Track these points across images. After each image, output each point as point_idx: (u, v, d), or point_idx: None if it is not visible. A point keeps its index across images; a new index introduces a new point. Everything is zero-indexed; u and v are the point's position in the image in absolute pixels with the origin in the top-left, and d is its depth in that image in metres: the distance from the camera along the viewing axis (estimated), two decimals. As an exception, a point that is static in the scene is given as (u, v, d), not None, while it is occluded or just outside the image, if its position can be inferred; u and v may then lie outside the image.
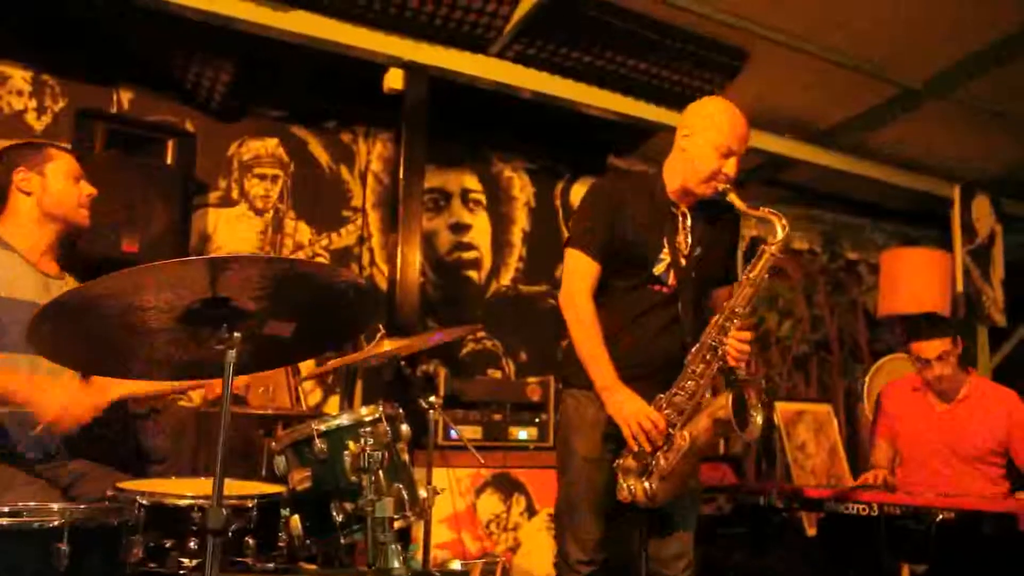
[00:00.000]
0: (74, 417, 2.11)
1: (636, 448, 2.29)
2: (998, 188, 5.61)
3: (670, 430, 2.29)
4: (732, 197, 2.36)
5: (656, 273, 2.41)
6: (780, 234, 2.32)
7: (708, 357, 2.30)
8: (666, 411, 2.30)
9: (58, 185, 2.35)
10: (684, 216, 2.46)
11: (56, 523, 1.57)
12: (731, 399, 2.21)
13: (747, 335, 2.30)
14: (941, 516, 2.64)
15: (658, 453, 2.29)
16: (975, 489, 3.05)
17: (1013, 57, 4.10)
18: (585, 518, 2.40)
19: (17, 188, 2.33)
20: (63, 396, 2.11)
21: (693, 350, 2.33)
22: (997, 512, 2.58)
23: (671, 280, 2.41)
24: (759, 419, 2.24)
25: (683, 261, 2.42)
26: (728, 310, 2.31)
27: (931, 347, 3.15)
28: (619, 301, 2.43)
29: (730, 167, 2.37)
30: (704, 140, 2.38)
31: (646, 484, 2.29)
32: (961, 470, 3.15)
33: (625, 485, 2.30)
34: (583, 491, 2.40)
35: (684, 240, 2.44)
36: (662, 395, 2.32)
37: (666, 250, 2.41)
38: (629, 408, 2.30)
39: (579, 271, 2.42)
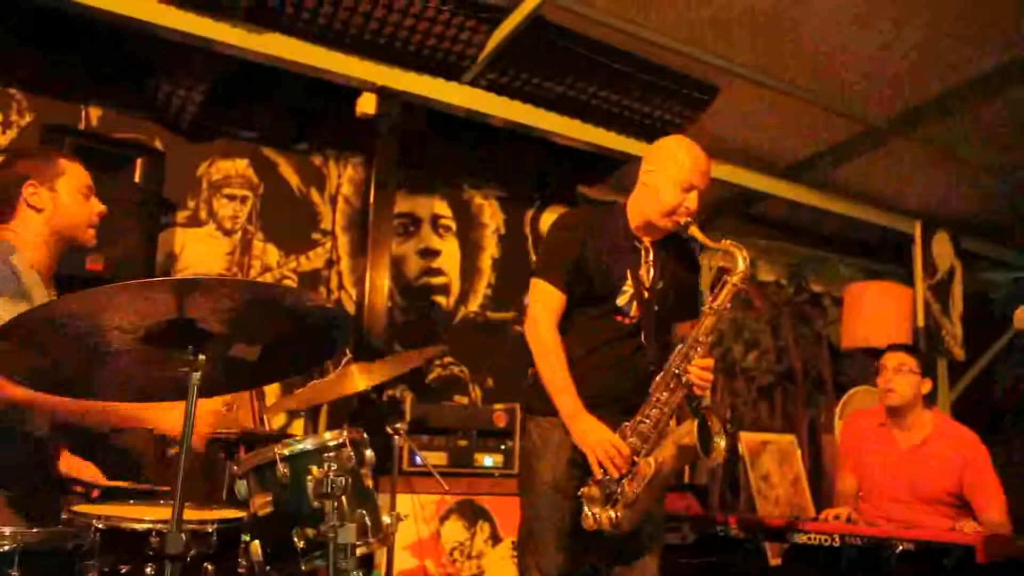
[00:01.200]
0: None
1: (601, 476, 2.31)
2: (957, 226, 5.75)
3: (635, 458, 2.31)
4: (694, 230, 2.41)
5: (619, 304, 2.45)
6: (741, 265, 2.37)
7: (672, 385, 2.34)
8: (631, 439, 2.32)
9: (69, 203, 2.22)
10: (647, 250, 2.51)
11: (7, 548, 1.53)
12: (696, 426, 2.25)
13: (709, 362, 2.34)
14: (902, 547, 2.67)
15: (623, 481, 2.30)
16: (934, 527, 3.07)
17: (970, 103, 4.23)
18: (549, 546, 2.39)
19: (26, 203, 2.17)
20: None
21: (657, 379, 2.37)
22: (956, 544, 2.61)
23: (634, 311, 2.45)
24: (722, 444, 2.29)
25: (646, 293, 2.47)
26: (691, 339, 2.35)
27: (894, 357, 3.27)
28: (583, 331, 2.47)
29: (691, 201, 2.42)
30: (666, 176, 2.44)
31: (611, 512, 2.29)
32: (920, 509, 3.17)
33: (590, 513, 2.31)
34: (547, 518, 2.40)
35: (647, 273, 2.49)
36: (627, 423, 2.35)
37: (629, 282, 2.46)
38: (594, 436, 2.32)
39: (544, 301, 2.46)
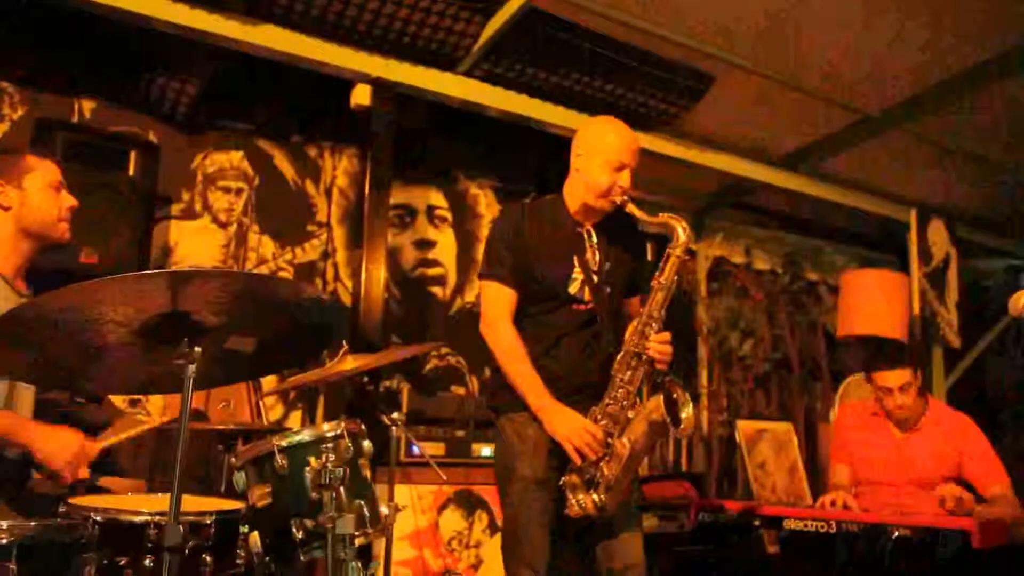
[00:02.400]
0: (76, 467, 2.07)
1: (580, 462, 2.33)
2: (953, 214, 5.76)
3: (609, 439, 2.33)
4: (631, 208, 2.44)
5: (571, 292, 2.46)
6: (683, 236, 2.41)
7: (633, 363, 2.37)
8: (602, 422, 2.35)
9: (37, 199, 2.21)
10: (589, 234, 2.53)
11: (5, 541, 1.53)
12: (662, 400, 2.29)
13: (666, 336, 2.37)
14: (897, 533, 2.68)
15: (601, 464, 2.33)
16: (929, 513, 3.09)
17: (966, 94, 4.23)
18: (534, 541, 2.39)
19: None
20: (72, 446, 2.06)
21: (618, 359, 2.39)
22: (952, 529, 2.62)
23: (587, 297, 2.47)
24: (690, 414, 2.33)
25: (595, 277, 2.48)
26: (645, 315, 2.38)
27: (894, 376, 3.20)
28: (541, 325, 2.48)
29: (624, 179, 2.44)
30: (596, 157, 2.46)
31: (595, 496, 2.32)
32: (916, 495, 3.19)
33: (574, 500, 2.33)
34: (530, 514, 2.39)
35: (592, 256, 2.51)
36: (595, 407, 2.37)
37: (577, 268, 2.47)
38: (567, 424, 2.34)
39: (495, 299, 2.48)
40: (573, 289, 2.46)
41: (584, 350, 2.47)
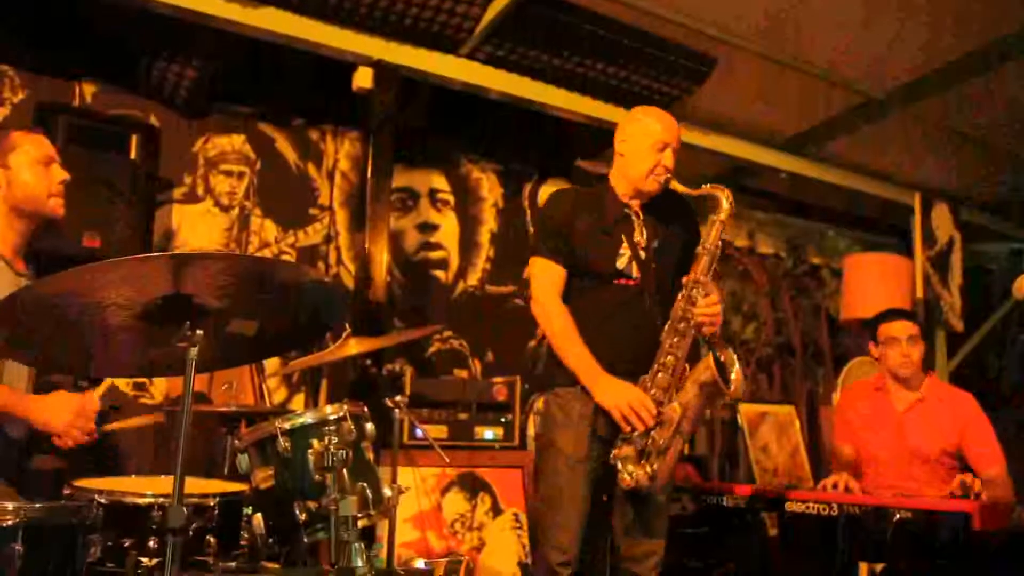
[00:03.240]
0: (82, 425, 2.07)
1: (629, 431, 2.35)
2: (956, 198, 5.73)
3: (660, 408, 2.36)
4: (675, 184, 2.53)
5: (619, 267, 2.52)
6: (725, 204, 2.50)
7: (681, 328, 2.41)
8: (652, 391, 2.38)
9: (25, 176, 2.19)
10: (637, 215, 2.61)
11: (11, 522, 1.54)
12: (712, 361, 2.33)
13: (714, 298, 2.42)
14: (899, 515, 2.69)
15: (652, 433, 2.35)
16: (930, 489, 3.11)
17: (970, 77, 4.20)
18: (568, 519, 2.42)
19: None
20: (69, 405, 2.06)
21: (666, 327, 2.43)
22: (953, 511, 2.63)
23: (635, 272, 2.52)
24: (738, 374, 2.36)
25: (642, 254, 2.54)
26: (691, 280, 2.44)
27: (903, 326, 3.24)
28: (590, 300, 2.53)
29: (667, 159, 2.56)
30: (640, 141, 2.59)
31: (647, 467, 2.34)
32: (917, 470, 3.21)
33: (626, 472, 2.35)
34: (567, 491, 2.42)
35: (641, 236, 2.57)
36: (645, 376, 2.41)
37: (625, 245, 2.54)
38: (617, 393, 2.38)
39: (546, 276, 2.54)
40: (621, 264, 2.53)
41: (633, 324, 2.51)
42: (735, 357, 2.38)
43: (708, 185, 2.53)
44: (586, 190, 2.74)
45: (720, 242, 2.47)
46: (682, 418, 2.35)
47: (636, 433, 2.35)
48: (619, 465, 2.36)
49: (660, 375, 2.40)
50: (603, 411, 2.43)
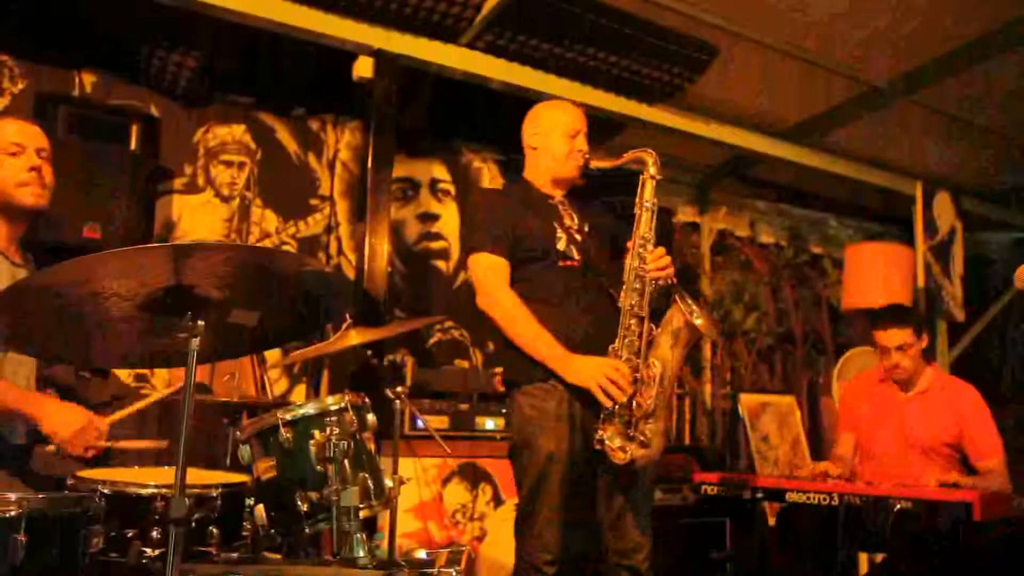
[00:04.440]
0: (85, 441, 2.04)
1: (611, 404, 2.31)
2: (958, 187, 5.72)
3: (635, 374, 2.34)
4: (595, 162, 2.57)
5: (560, 249, 2.52)
6: (650, 160, 2.50)
7: (637, 287, 2.41)
8: (624, 357, 2.36)
9: None
10: (562, 203, 2.64)
11: (14, 513, 1.54)
12: (678, 307, 2.34)
13: (661, 250, 2.43)
14: (899, 506, 2.69)
15: (633, 401, 2.33)
16: (929, 478, 3.11)
17: (972, 65, 4.18)
18: (552, 518, 2.36)
19: None
20: (78, 420, 2.04)
21: (623, 291, 2.42)
22: (953, 501, 2.64)
23: (575, 255, 2.53)
24: (703, 318, 2.37)
25: (578, 236, 2.57)
26: (637, 238, 2.44)
27: (891, 336, 3.23)
28: (537, 285, 2.50)
29: (580, 143, 2.62)
30: (551, 131, 2.64)
31: (637, 436, 2.31)
32: (917, 460, 3.22)
33: (616, 448, 2.31)
34: (550, 490, 2.36)
35: (572, 221, 2.60)
36: (612, 345, 2.38)
37: (559, 231, 2.55)
38: (589, 368, 2.34)
39: (490, 269, 2.51)
40: (561, 246, 2.52)
41: (586, 304, 2.48)
42: (696, 303, 2.39)
43: (628, 153, 2.54)
44: (506, 189, 2.80)
45: (655, 199, 2.48)
46: (663, 373, 2.33)
47: (618, 405, 2.30)
48: (607, 444, 2.31)
49: (627, 339, 2.37)
50: (579, 401, 2.38)
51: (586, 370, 2.33)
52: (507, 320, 2.45)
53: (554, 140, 2.62)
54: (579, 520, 2.44)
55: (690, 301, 2.38)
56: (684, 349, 2.40)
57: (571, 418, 2.39)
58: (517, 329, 2.44)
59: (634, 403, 2.32)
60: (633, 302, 2.39)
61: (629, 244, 2.45)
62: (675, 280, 2.46)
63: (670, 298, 2.39)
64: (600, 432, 2.33)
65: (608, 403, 2.31)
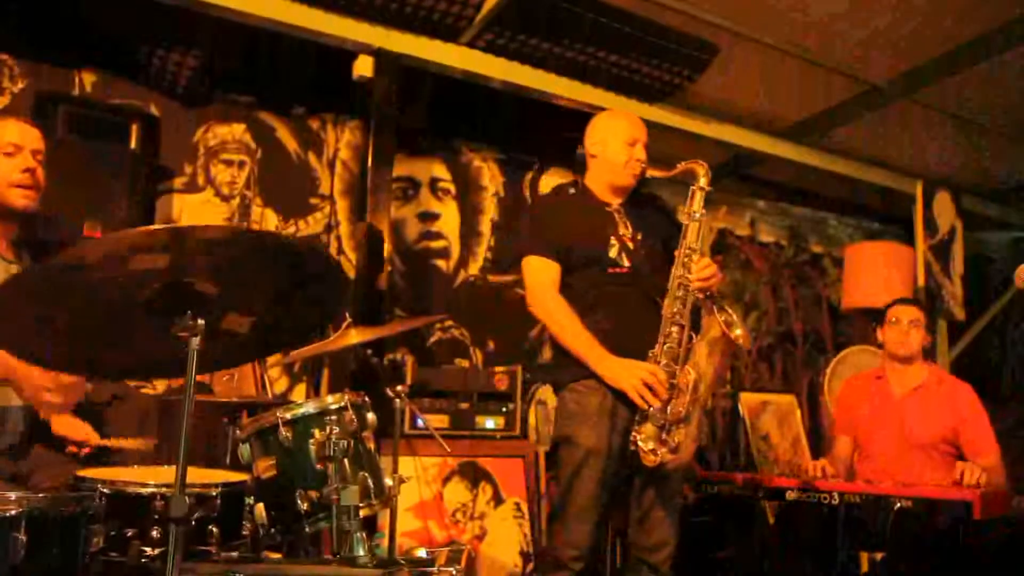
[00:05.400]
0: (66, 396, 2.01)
1: (646, 407, 2.37)
2: (958, 186, 5.71)
3: (672, 380, 2.39)
4: (650, 171, 2.63)
5: (611, 256, 2.58)
6: (701, 172, 2.57)
7: (680, 295, 2.45)
8: (662, 362, 2.41)
9: None
10: (619, 212, 2.69)
11: (13, 512, 1.54)
12: (717, 318, 2.38)
13: (706, 260, 2.48)
14: (899, 504, 2.70)
15: (668, 404, 2.38)
16: (928, 476, 3.12)
17: (972, 65, 4.18)
18: (585, 513, 2.43)
19: None
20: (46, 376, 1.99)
21: (666, 300, 2.47)
22: (953, 500, 2.64)
23: (625, 262, 2.59)
24: (743, 330, 2.43)
25: (631, 245, 2.62)
26: (684, 248, 2.49)
27: (907, 311, 3.37)
28: (586, 290, 2.57)
29: (639, 152, 2.67)
30: (610, 140, 2.70)
31: (669, 441, 2.36)
32: (914, 457, 3.23)
33: (648, 450, 2.36)
34: (587, 486, 2.44)
35: (626, 229, 2.65)
36: (652, 351, 2.44)
37: (613, 239, 2.61)
38: (627, 371, 2.41)
39: (541, 273, 2.59)
40: (612, 254, 2.58)
41: (631, 310, 2.55)
42: (736, 316, 2.44)
43: (682, 162, 2.58)
44: (568, 195, 2.87)
45: (704, 210, 2.53)
46: (698, 381, 2.38)
47: (653, 408, 2.37)
48: (640, 446, 2.37)
49: (667, 346, 2.43)
50: (621, 400, 2.44)
51: (623, 372, 2.41)
52: (553, 322, 2.56)
53: (612, 148, 2.68)
54: (607, 517, 2.54)
55: (729, 312, 2.43)
56: (721, 359, 2.45)
57: (612, 416, 2.46)
58: (561, 331, 2.54)
59: (668, 408, 2.38)
60: (675, 310, 2.44)
61: (676, 253, 2.49)
62: (717, 291, 2.50)
63: (713, 305, 2.44)
64: (635, 434, 2.39)
65: (643, 405, 2.38)
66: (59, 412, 2.07)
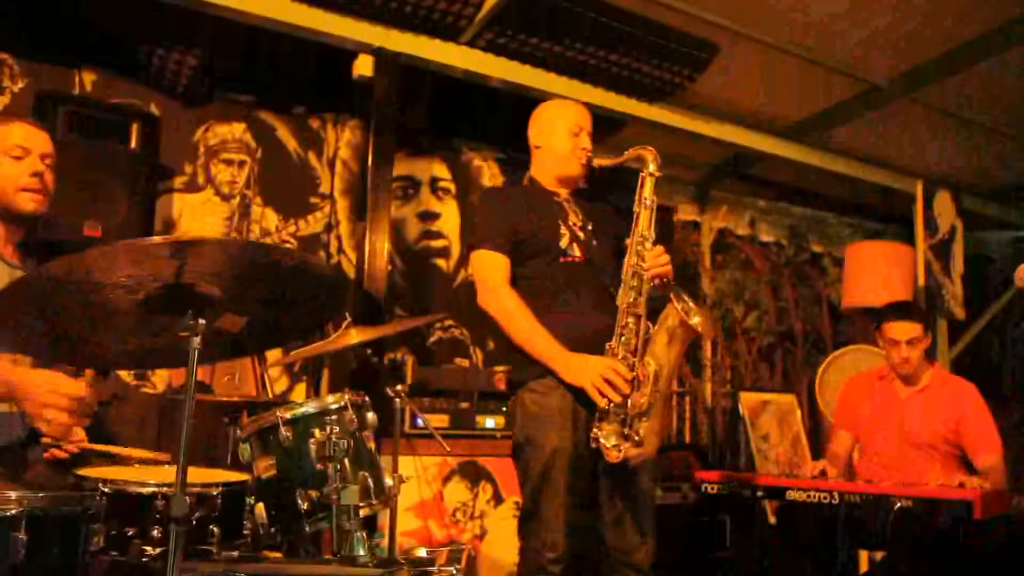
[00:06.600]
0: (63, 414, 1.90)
1: (607, 404, 2.30)
2: (959, 185, 5.71)
3: (632, 372, 2.32)
4: (597, 160, 2.58)
5: (563, 246, 2.53)
6: (650, 157, 2.50)
7: (635, 285, 2.39)
8: (621, 355, 2.34)
9: None
10: (568, 201, 2.65)
11: (14, 511, 1.54)
12: (675, 306, 2.32)
13: (659, 248, 2.42)
14: (899, 504, 2.69)
15: (629, 399, 2.30)
16: (929, 475, 3.11)
17: (972, 65, 4.18)
18: (557, 515, 2.36)
19: None
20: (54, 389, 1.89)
21: (621, 290, 2.41)
22: (954, 499, 2.64)
23: (577, 251, 2.54)
24: (701, 317, 2.36)
25: (581, 234, 2.57)
26: (637, 236, 2.43)
27: (902, 329, 3.25)
28: (539, 281, 2.51)
29: (584, 141, 2.62)
30: (554, 130, 2.66)
31: (633, 436, 2.28)
32: (915, 456, 3.23)
33: (611, 446, 2.29)
34: (555, 486, 2.36)
35: (576, 218, 2.61)
36: (609, 343, 2.37)
37: (563, 228, 2.56)
38: (586, 367, 2.33)
39: (491, 267, 2.51)
40: (564, 244, 2.53)
41: (586, 300, 2.49)
42: (694, 303, 2.38)
43: (630, 150, 2.53)
44: (514, 187, 2.80)
45: (654, 196, 2.47)
46: (658, 372, 2.30)
47: (613, 404, 2.29)
48: (602, 442, 2.29)
49: (624, 337, 2.35)
50: (581, 398, 2.37)
51: (582, 369, 2.33)
52: (505, 317, 2.46)
53: (557, 138, 2.64)
54: (582, 519, 2.43)
55: (687, 299, 2.37)
56: (681, 348, 2.37)
57: (574, 414, 2.39)
58: (515, 326, 2.44)
59: (629, 402, 2.30)
60: (630, 300, 2.38)
61: (628, 242, 2.45)
62: (672, 278, 2.44)
63: (669, 293, 2.38)
64: (595, 431, 2.32)
65: (603, 403, 2.30)
66: (62, 434, 1.99)
